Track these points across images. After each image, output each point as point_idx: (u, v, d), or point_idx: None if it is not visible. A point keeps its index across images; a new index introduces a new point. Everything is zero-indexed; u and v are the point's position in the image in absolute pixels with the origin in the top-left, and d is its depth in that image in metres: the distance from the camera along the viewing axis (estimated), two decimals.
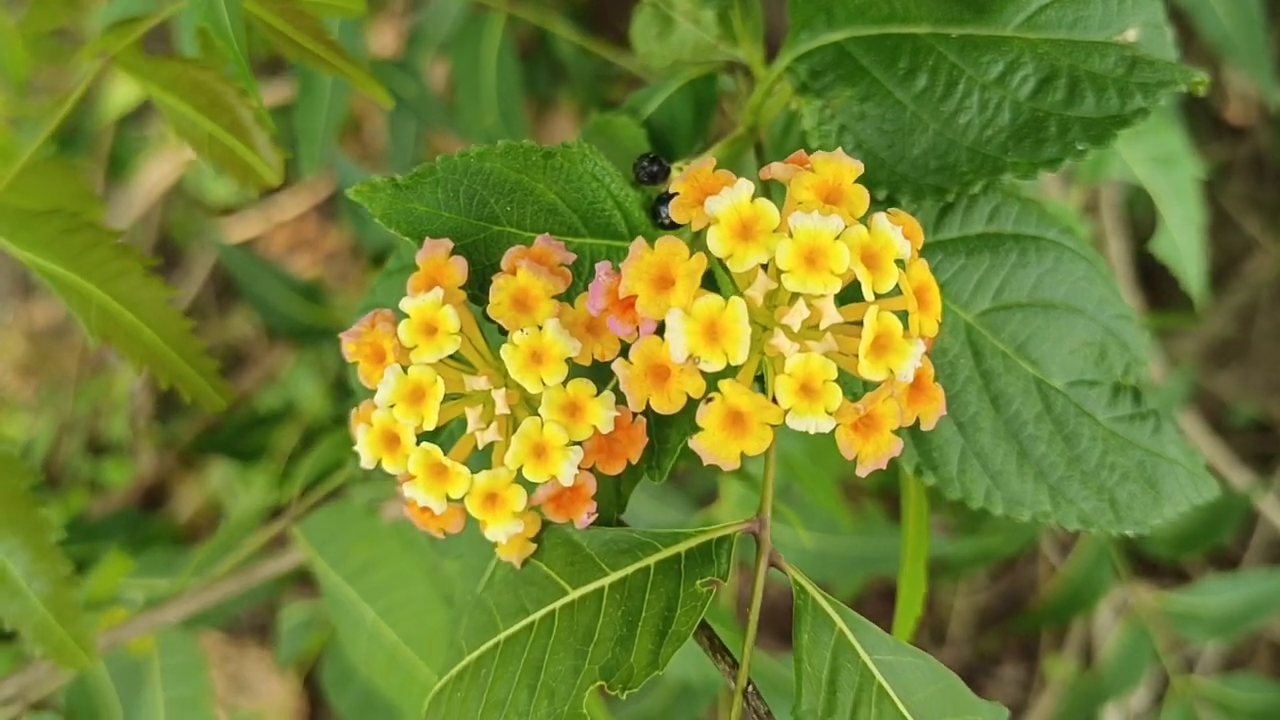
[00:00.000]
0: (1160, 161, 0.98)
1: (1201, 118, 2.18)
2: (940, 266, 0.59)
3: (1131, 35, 0.59)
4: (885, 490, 1.59)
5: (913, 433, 0.57)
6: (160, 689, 0.82)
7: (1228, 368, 2.22)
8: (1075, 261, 0.60)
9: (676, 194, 0.47)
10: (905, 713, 0.48)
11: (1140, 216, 1.68)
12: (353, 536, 0.77)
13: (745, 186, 0.44)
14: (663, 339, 0.44)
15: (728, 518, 1.20)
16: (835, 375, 0.44)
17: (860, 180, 0.57)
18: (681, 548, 0.50)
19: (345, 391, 1.70)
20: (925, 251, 0.59)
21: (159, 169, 2.28)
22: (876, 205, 0.58)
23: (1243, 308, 2.21)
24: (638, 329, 0.45)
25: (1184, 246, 1.02)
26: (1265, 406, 2.16)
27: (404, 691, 0.74)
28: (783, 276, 0.43)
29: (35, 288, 2.57)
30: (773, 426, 0.44)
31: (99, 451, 2.36)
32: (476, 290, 0.51)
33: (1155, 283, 1.74)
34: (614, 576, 0.50)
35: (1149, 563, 1.80)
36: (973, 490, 0.57)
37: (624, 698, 0.46)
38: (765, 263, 0.44)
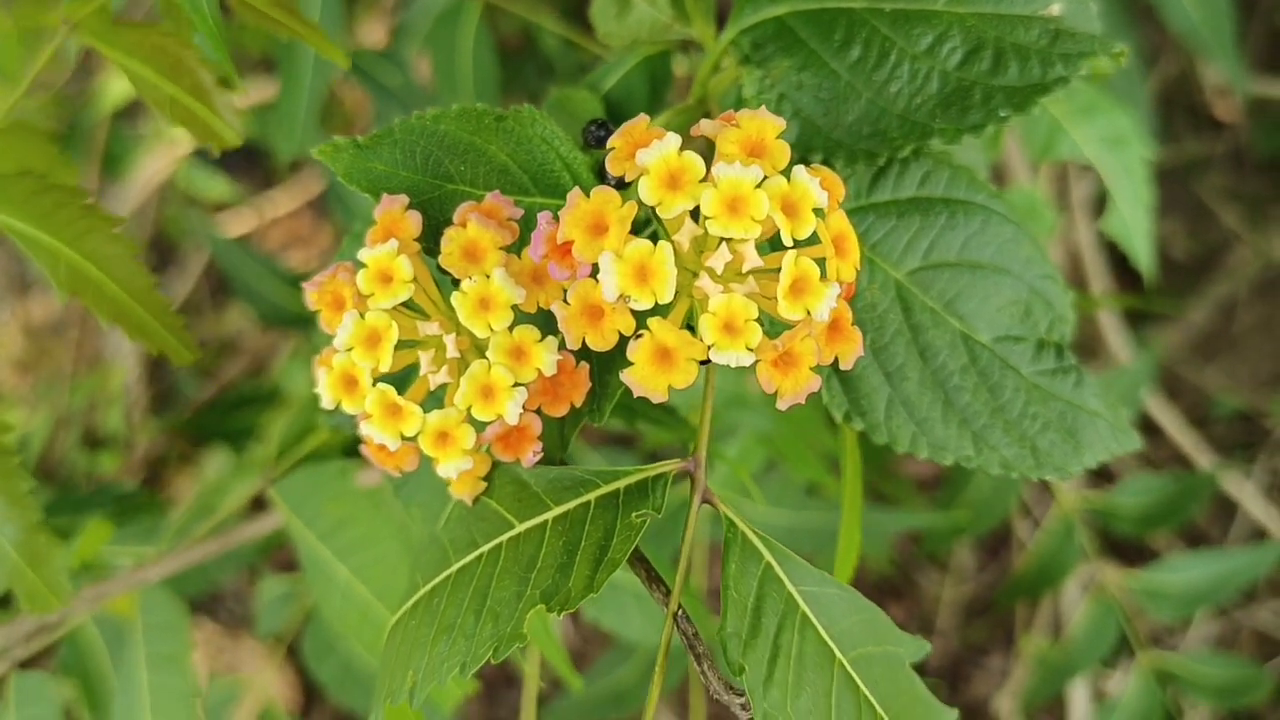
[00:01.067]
0: (1110, 142, 1.02)
1: (1180, 111, 2.21)
2: (872, 227, 0.63)
3: (1056, 9, 0.63)
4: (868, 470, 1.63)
5: (842, 381, 0.61)
6: (142, 645, 0.85)
7: (1212, 361, 2.25)
8: (1003, 225, 0.64)
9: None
10: (828, 639, 0.51)
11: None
12: (326, 497, 0.80)
13: (673, 139, 0.48)
14: (597, 281, 0.48)
15: None
16: (756, 315, 0.47)
17: (797, 145, 0.62)
18: (620, 484, 0.54)
19: None
20: (858, 213, 0.62)
21: (153, 165, 2.31)
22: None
23: (1224, 301, 2.24)
24: (575, 273, 0.49)
25: (1133, 225, 1.05)
26: (1249, 398, 2.19)
27: (376, 646, 0.78)
28: (707, 222, 0.47)
29: (32, 284, 2.60)
30: (698, 362, 0.48)
31: (95, 445, 2.39)
32: (430, 244, 0.54)
33: (1130, 273, 1.77)
34: (557, 510, 0.53)
35: (1123, 545, 1.84)
36: (899, 435, 0.61)
37: (560, 617, 0.49)
38: (693, 210, 0.48)
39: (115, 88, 2.20)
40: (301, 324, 1.70)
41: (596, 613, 0.99)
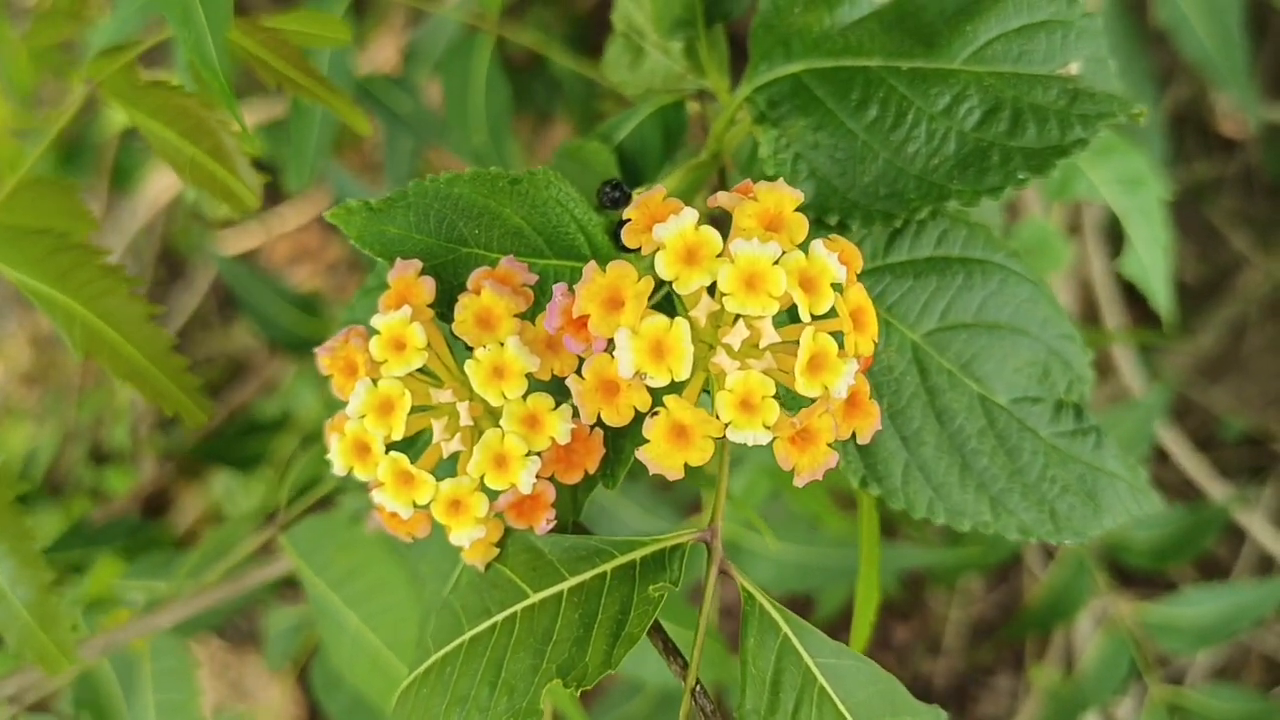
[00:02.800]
0: (1126, 183, 1.01)
1: (1191, 133, 2.21)
2: (889, 288, 0.62)
3: (1074, 68, 0.62)
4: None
5: (859, 447, 0.60)
6: (151, 692, 0.85)
7: (1220, 382, 2.24)
8: (1020, 284, 0.63)
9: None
10: (845, 712, 0.51)
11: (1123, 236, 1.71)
12: (336, 545, 0.80)
13: (690, 214, 0.47)
14: (613, 356, 0.47)
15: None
16: (773, 391, 0.47)
17: (813, 206, 0.61)
18: (636, 555, 0.53)
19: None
20: (874, 274, 0.62)
21: (162, 180, 2.31)
22: (828, 230, 0.61)
23: (1233, 323, 2.23)
24: (590, 347, 0.49)
25: (1151, 266, 1.05)
26: (1257, 421, 2.18)
27: (386, 694, 0.77)
28: (724, 299, 0.46)
29: None
30: (715, 439, 0.47)
31: (101, 460, 2.39)
32: (444, 308, 0.54)
33: (1141, 299, 1.76)
34: (573, 581, 0.53)
35: (1134, 574, 1.83)
36: (916, 501, 0.60)
37: (577, 693, 0.49)
38: (709, 285, 0.47)
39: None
40: (308, 346, 1.70)
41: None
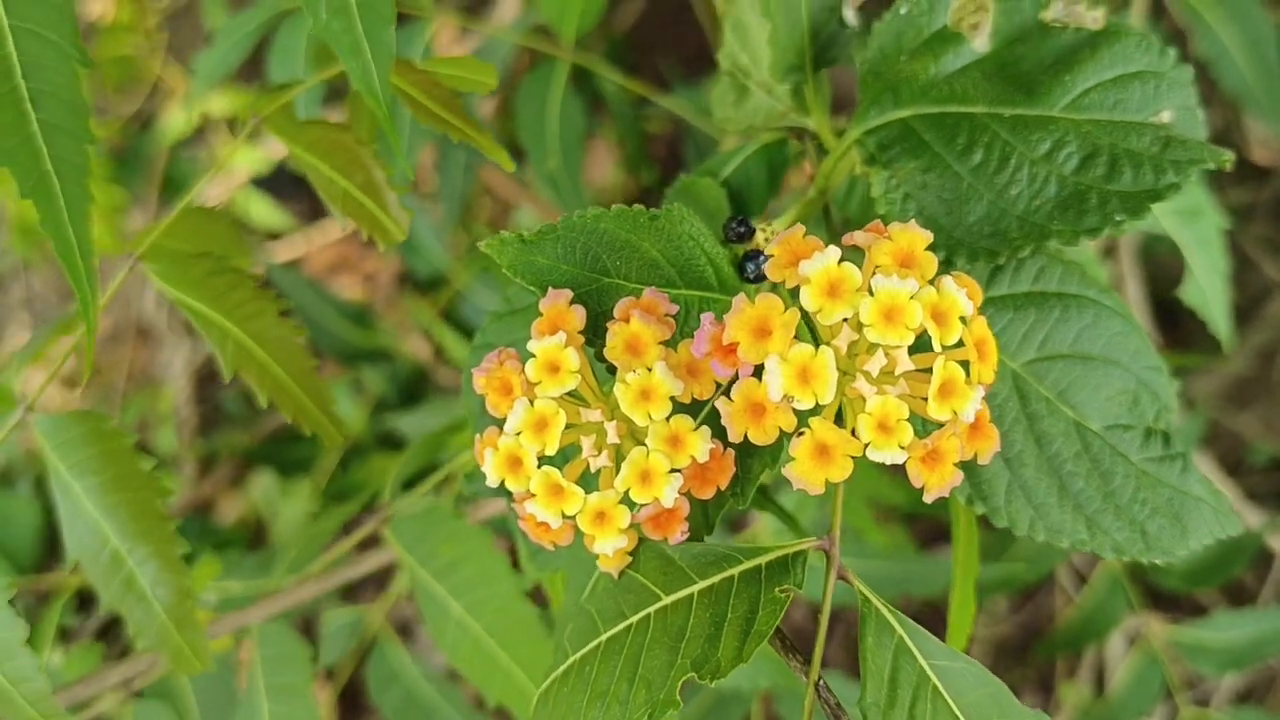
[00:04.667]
0: (1186, 214, 1.05)
1: None
2: (991, 320, 0.66)
3: (1166, 116, 0.66)
4: (911, 517, 1.66)
5: (964, 466, 0.64)
6: (261, 677, 0.89)
7: (1249, 409, 2.27)
8: (1112, 318, 0.68)
9: (761, 252, 0.54)
10: (957, 711, 0.55)
11: (1158, 259, 1.75)
12: (441, 537, 0.85)
13: (833, 252, 0.52)
14: (760, 380, 0.52)
15: (764, 540, 1.27)
16: (907, 414, 0.51)
17: None
18: (762, 560, 0.58)
19: (382, 408, 1.78)
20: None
21: (210, 191, 2.36)
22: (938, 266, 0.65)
23: (1263, 349, 2.26)
24: (737, 372, 0.53)
25: (1210, 293, 1.09)
26: None
27: (487, 677, 0.82)
28: (864, 329, 0.51)
29: None
30: (853, 458, 0.51)
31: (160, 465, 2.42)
32: (589, 335, 0.58)
33: (1173, 321, 1.80)
34: (703, 584, 0.57)
35: (1165, 596, 1.86)
36: (1018, 519, 0.64)
37: (712, 684, 0.53)
38: (849, 317, 0.52)
39: (179, 120, 2.26)
40: (358, 357, 1.74)
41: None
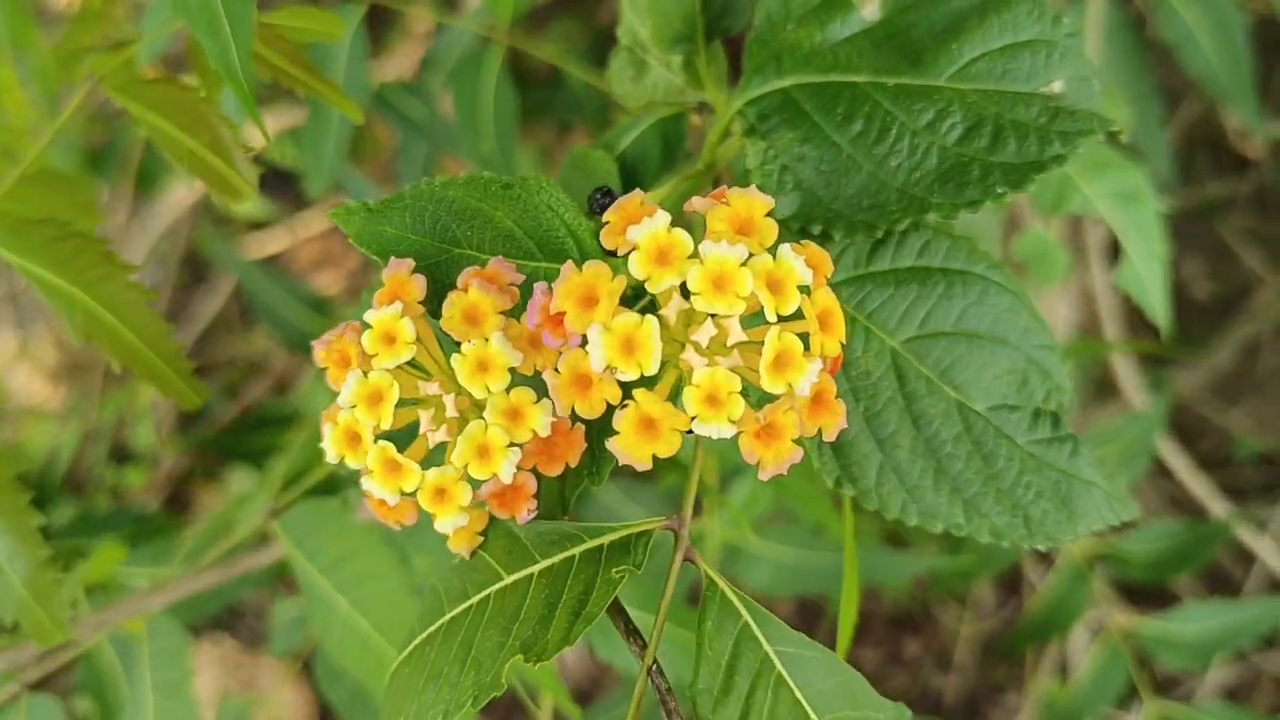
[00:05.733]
0: (1122, 197, 1.03)
1: (1203, 151, 2.21)
2: (869, 296, 0.64)
3: (1057, 86, 0.64)
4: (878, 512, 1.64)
5: (834, 448, 0.62)
6: (148, 671, 0.88)
7: (1236, 403, 2.25)
8: (1001, 295, 0.65)
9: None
10: (802, 700, 0.53)
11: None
12: (328, 532, 0.83)
13: (662, 217, 0.50)
14: (586, 351, 0.49)
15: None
16: (739, 387, 0.49)
17: (798, 216, 0.63)
18: (604, 540, 0.56)
19: None
20: (856, 282, 0.64)
21: (187, 183, 2.35)
22: (811, 239, 0.63)
23: (1248, 342, 2.24)
24: (567, 343, 0.51)
25: (1148, 279, 1.06)
26: (1272, 440, 2.18)
27: (376, 677, 0.80)
28: (694, 298, 0.49)
29: None
30: (682, 433, 0.49)
31: (123, 460, 2.42)
32: (437, 307, 0.56)
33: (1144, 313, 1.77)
34: (543, 564, 0.55)
35: (1139, 589, 1.84)
36: (889, 502, 0.62)
37: (535, 668, 0.51)
38: (681, 285, 0.50)
39: None
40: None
41: (608, 653, 1.01)
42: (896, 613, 2.35)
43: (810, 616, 2.17)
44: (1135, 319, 1.83)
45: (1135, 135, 1.40)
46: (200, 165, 0.68)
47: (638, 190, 0.52)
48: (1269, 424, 2.22)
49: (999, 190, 0.61)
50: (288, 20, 0.67)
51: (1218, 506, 1.69)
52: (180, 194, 2.33)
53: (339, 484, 0.93)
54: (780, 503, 1.31)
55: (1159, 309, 1.08)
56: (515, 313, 0.55)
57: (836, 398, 0.52)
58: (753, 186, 0.52)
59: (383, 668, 0.80)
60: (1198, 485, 1.70)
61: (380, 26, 1.89)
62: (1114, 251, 1.67)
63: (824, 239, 0.63)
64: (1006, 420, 0.64)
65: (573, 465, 0.56)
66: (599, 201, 0.65)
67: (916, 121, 0.63)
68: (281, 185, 2.44)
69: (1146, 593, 1.91)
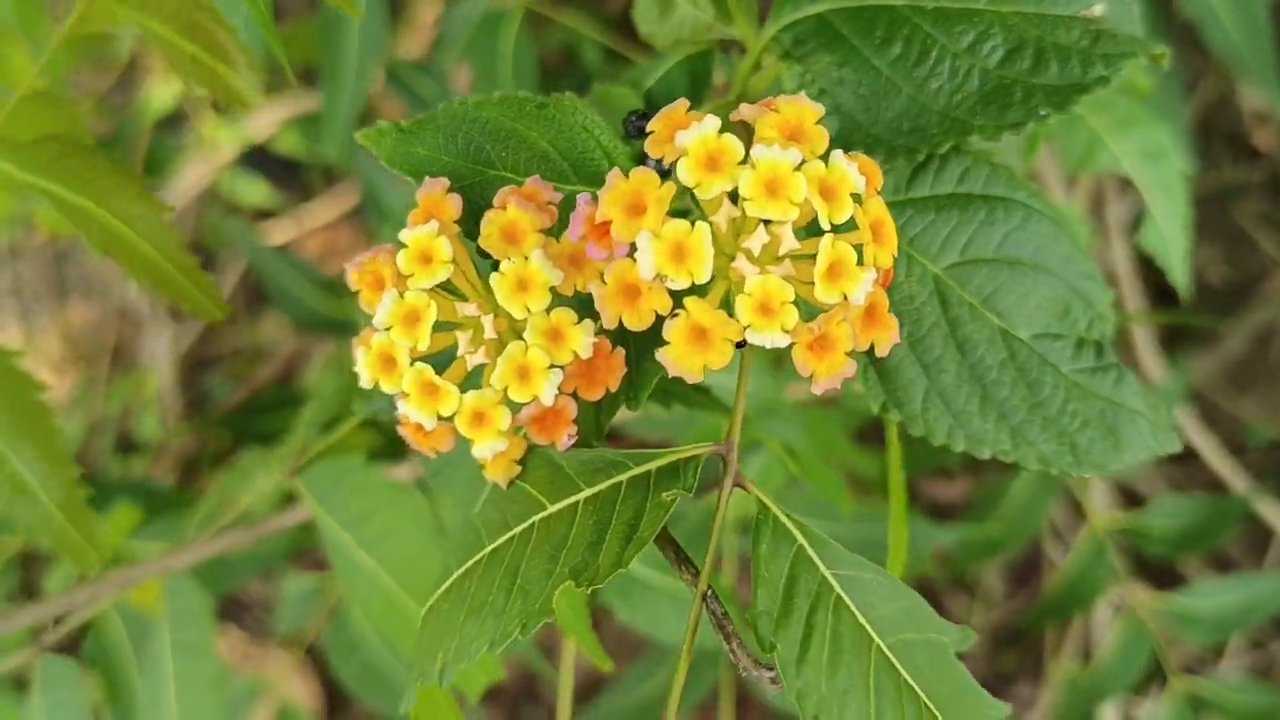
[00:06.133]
0: (1149, 155, 1.01)
1: (1219, 137, 2.20)
2: (910, 222, 0.63)
3: (1098, 10, 0.63)
4: (886, 489, 1.62)
5: (879, 372, 0.60)
6: (168, 632, 0.86)
7: (1248, 390, 2.23)
8: (1041, 222, 0.64)
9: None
10: (864, 622, 0.51)
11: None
12: (350, 488, 0.81)
13: (711, 121, 0.48)
14: (634, 260, 0.48)
15: None
16: (792, 297, 0.47)
17: (837, 140, 0.62)
18: (652, 465, 0.54)
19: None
20: (896, 208, 0.62)
21: (195, 172, 2.34)
22: None
23: (1262, 329, 2.22)
24: (613, 254, 0.49)
25: (1170, 239, 1.05)
26: None
27: (400, 632, 0.78)
28: (745, 204, 0.47)
29: (71, 289, 2.63)
30: (734, 343, 0.48)
31: (129, 450, 2.41)
32: (471, 228, 0.55)
33: (1166, 295, 1.75)
34: (589, 491, 0.54)
35: (1154, 568, 1.82)
36: (935, 427, 0.61)
37: (588, 592, 0.49)
38: (731, 194, 0.48)
39: (159, 97, 2.24)
40: (336, 328, 1.71)
41: (630, 615, 0.99)
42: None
43: None
44: (1157, 299, 1.82)
45: (1158, 112, 1.39)
46: (203, 71, 0.67)
47: (682, 99, 0.51)
48: (1277, 410, 2.20)
49: (1042, 112, 0.60)
50: None
51: (1240, 485, 1.67)
52: (188, 182, 2.32)
53: (359, 450, 0.92)
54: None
55: (1179, 271, 1.06)
56: (555, 233, 0.54)
57: (889, 312, 0.50)
58: (801, 93, 0.50)
59: (406, 624, 0.78)
60: (1222, 464, 1.68)
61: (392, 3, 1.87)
62: (1135, 230, 1.66)
63: None
64: (1050, 348, 0.62)
65: (613, 389, 0.54)
66: (634, 124, 0.63)
67: (957, 44, 0.62)
68: (287, 174, 2.43)
69: (1159, 573, 1.90)
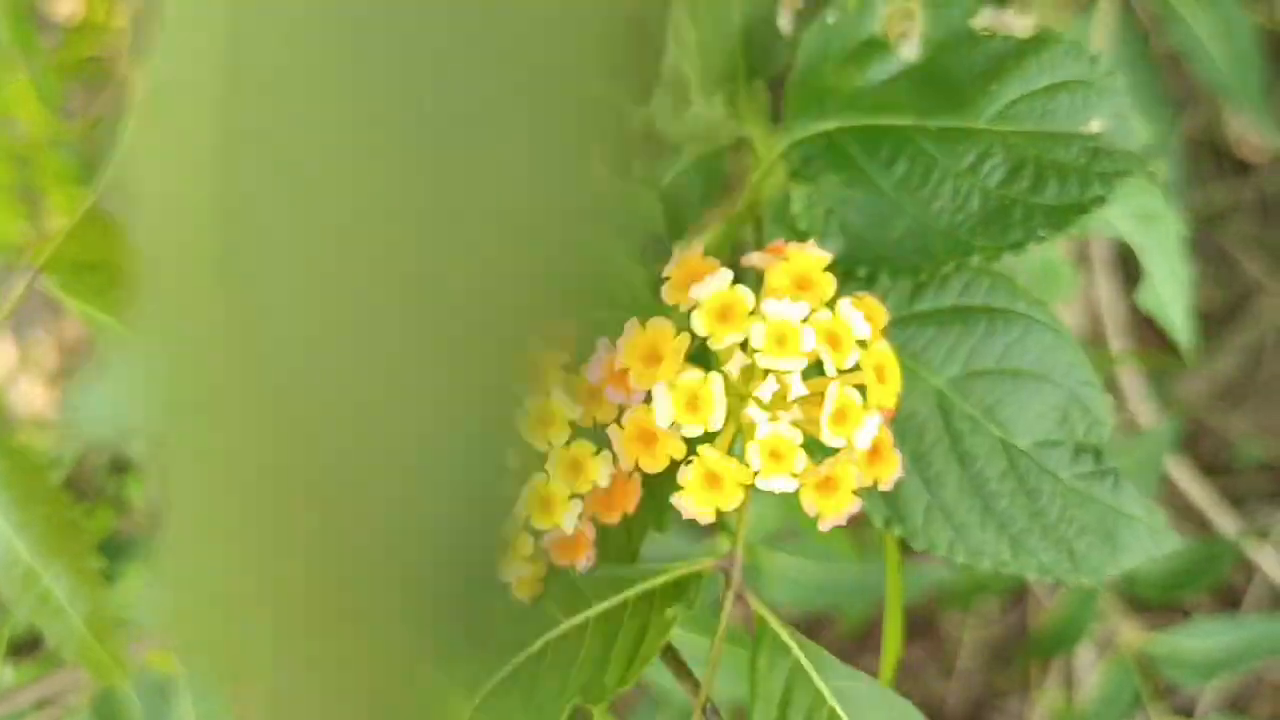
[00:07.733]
0: (1143, 218, 1.03)
1: (1206, 157, 2.22)
2: (913, 337, 0.65)
3: (1096, 126, 0.65)
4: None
5: (881, 490, 0.63)
6: (190, 704, 0.88)
7: (1237, 409, 2.25)
8: (1043, 332, 0.66)
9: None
10: None
11: (1132, 260, 1.73)
12: None
13: (725, 275, 0.50)
14: (650, 407, 0.50)
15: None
16: (801, 441, 0.50)
17: (844, 259, 0.64)
18: (656, 582, 0.56)
19: None
20: (900, 323, 0.64)
21: None
22: (859, 282, 0.64)
23: (1250, 348, 2.24)
24: (630, 398, 0.52)
25: (1170, 299, 1.06)
26: (1275, 446, 2.19)
27: None
28: (756, 355, 0.50)
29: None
30: (744, 486, 0.50)
31: (122, 470, 2.41)
32: None
33: (1150, 326, 1.78)
34: (598, 608, 0.56)
35: (1148, 601, 1.85)
36: (937, 541, 0.63)
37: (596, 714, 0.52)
38: (741, 341, 0.50)
39: None
40: None
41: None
42: (914, 618, 2.35)
43: (816, 625, 2.17)
44: (1140, 331, 1.84)
45: (1147, 145, 1.40)
46: None
47: (697, 245, 0.53)
48: (1271, 431, 2.23)
49: (1041, 233, 0.62)
50: None
51: (1224, 521, 1.69)
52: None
53: None
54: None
55: (1182, 329, 1.08)
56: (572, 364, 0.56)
57: (893, 448, 0.53)
58: (811, 241, 0.52)
59: None
60: (1205, 500, 1.70)
61: None
62: (1121, 265, 1.68)
63: (869, 282, 0.64)
64: (1049, 456, 0.64)
65: (629, 512, 0.56)
66: (651, 250, 0.65)
67: (959, 164, 0.64)
68: None
69: (1154, 606, 1.92)
